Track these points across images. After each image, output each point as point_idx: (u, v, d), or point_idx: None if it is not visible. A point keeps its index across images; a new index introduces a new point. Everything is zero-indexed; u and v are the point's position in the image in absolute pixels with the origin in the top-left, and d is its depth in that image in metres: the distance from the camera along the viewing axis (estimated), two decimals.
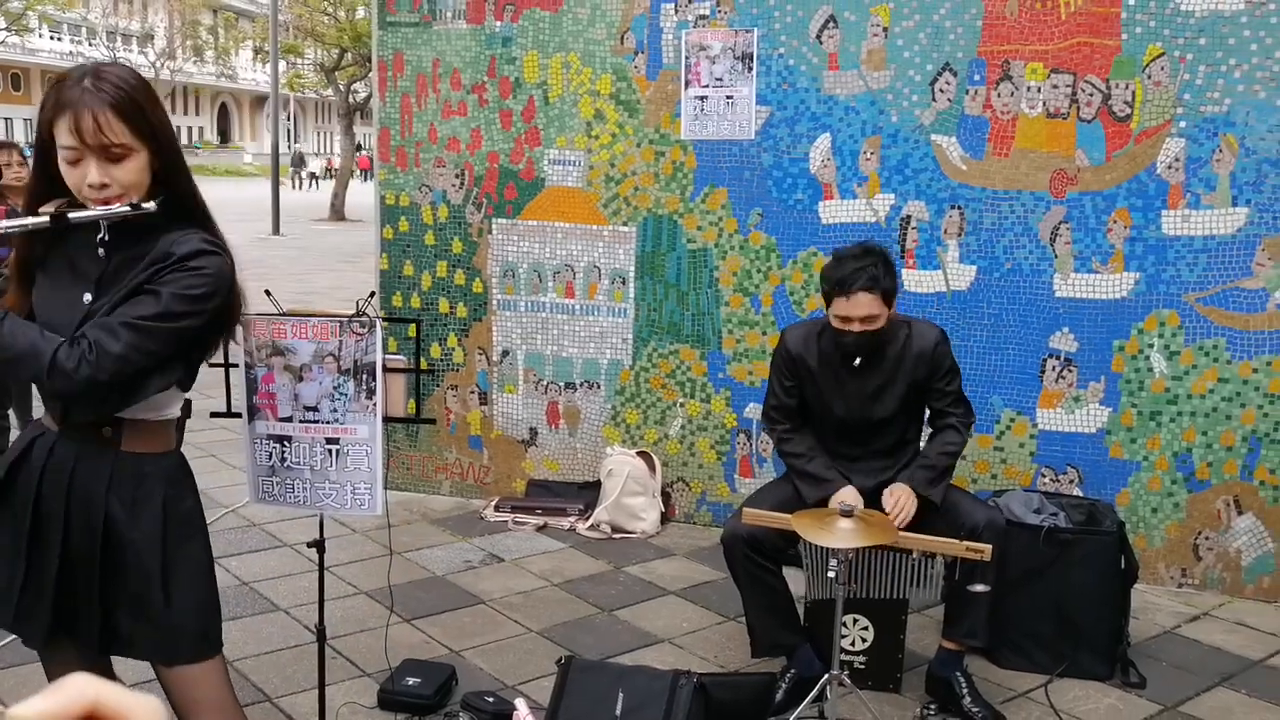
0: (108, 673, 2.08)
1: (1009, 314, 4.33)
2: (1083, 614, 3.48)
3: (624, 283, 4.86)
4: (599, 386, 4.97)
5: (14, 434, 5.04)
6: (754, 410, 4.65)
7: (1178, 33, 4.01)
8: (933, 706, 3.24)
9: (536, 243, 4.95)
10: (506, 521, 4.85)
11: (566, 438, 5.06)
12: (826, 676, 2.92)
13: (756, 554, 3.21)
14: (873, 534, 2.76)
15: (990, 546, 2.90)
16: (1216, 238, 4.07)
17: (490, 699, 3.15)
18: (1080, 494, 4.21)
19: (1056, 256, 4.25)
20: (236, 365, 2.49)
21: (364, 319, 2.45)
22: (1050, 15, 4.14)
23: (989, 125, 4.27)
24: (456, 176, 5.01)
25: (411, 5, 4.95)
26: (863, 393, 3.27)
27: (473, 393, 5.14)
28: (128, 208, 1.83)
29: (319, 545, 2.73)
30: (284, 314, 2.48)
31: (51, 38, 48.81)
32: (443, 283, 5.09)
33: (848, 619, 3.32)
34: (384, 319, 2.76)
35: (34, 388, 2.54)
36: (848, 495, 3.17)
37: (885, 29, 4.35)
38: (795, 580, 3.39)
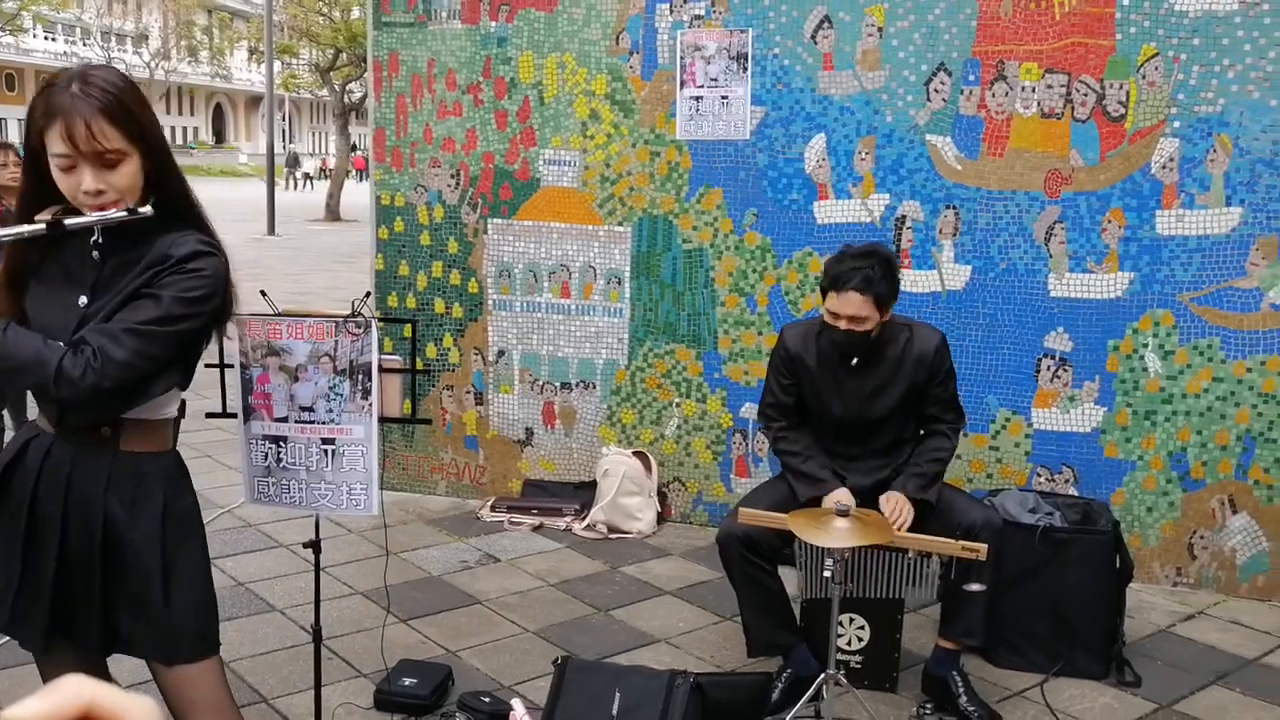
0: (103, 674, 2.08)
1: (1004, 314, 4.34)
2: (1078, 613, 3.49)
3: (619, 283, 4.86)
4: (595, 386, 4.97)
5: (9, 434, 5.03)
6: (750, 410, 4.66)
7: (1172, 33, 4.02)
8: (929, 705, 3.24)
9: (532, 243, 4.95)
10: (502, 522, 4.85)
11: (562, 438, 5.06)
12: (823, 676, 2.92)
13: (752, 553, 3.21)
14: (869, 533, 2.76)
15: (986, 546, 2.90)
16: (1211, 238, 4.08)
17: (487, 699, 3.15)
18: (1075, 493, 4.22)
19: (1051, 256, 4.26)
20: (232, 366, 2.49)
21: (359, 319, 2.45)
22: (1045, 15, 4.15)
23: (984, 125, 4.28)
24: (452, 177, 5.01)
25: (406, 5, 4.95)
26: (861, 392, 3.27)
27: (468, 393, 5.14)
28: (124, 212, 1.83)
29: (315, 546, 2.73)
30: (279, 314, 2.48)
31: (46, 38, 48.69)
32: (438, 283, 5.09)
33: (844, 618, 3.33)
34: (379, 319, 2.76)
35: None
36: (842, 497, 3.18)
37: (880, 29, 4.36)
38: (790, 580, 3.40)
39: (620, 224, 4.81)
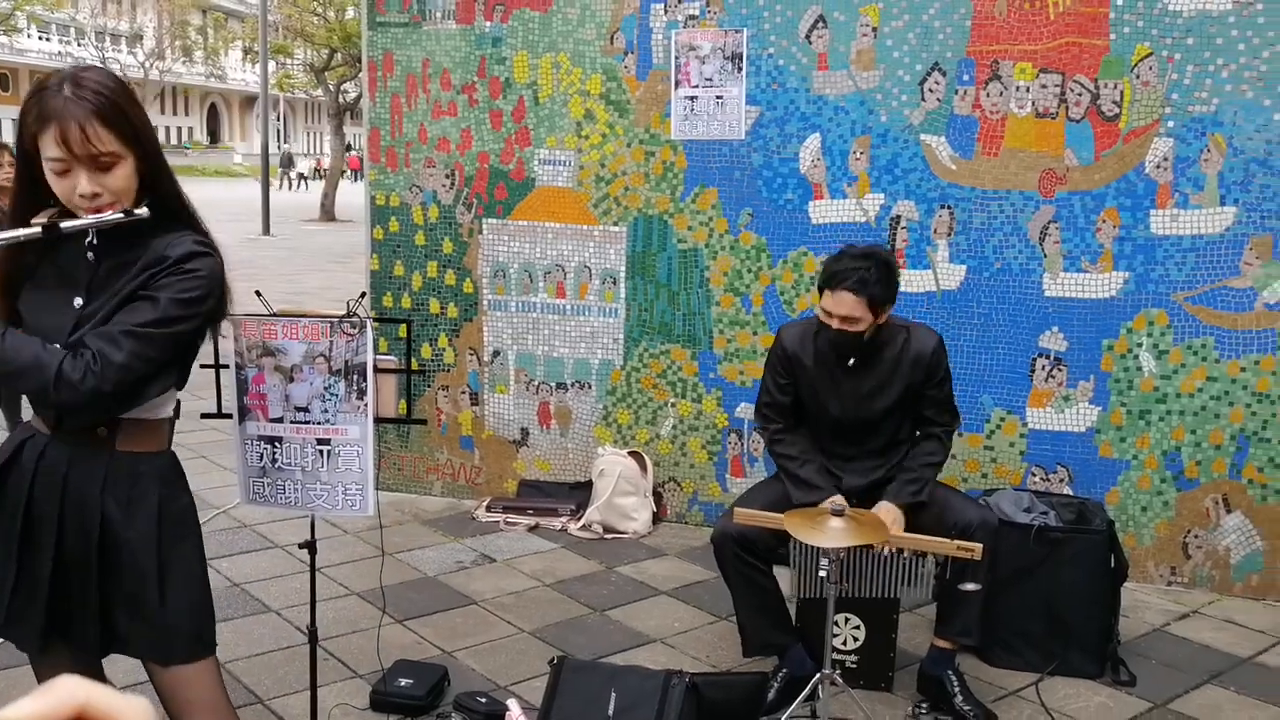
0: (98, 675, 2.08)
1: (999, 313, 4.35)
2: (1073, 612, 3.49)
3: (615, 283, 4.86)
4: (590, 387, 4.97)
5: (2, 435, 5.02)
6: (745, 410, 4.66)
7: (1166, 33, 4.03)
8: (924, 705, 3.25)
9: (527, 243, 4.95)
10: (498, 522, 4.85)
11: (558, 438, 5.06)
12: (818, 676, 2.92)
13: (747, 553, 3.21)
14: (864, 533, 2.76)
15: (981, 545, 2.91)
16: (1205, 237, 4.09)
17: (483, 699, 3.15)
18: (1070, 493, 4.23)
19: (1046, 256, 4.26)
20: (227, 366, 2.48)
21: (355, 319, 2.45)
22: (1039, 15, 4.15)
23: (978, 125, 4.29)
24: (447, 177, 5.01)
25: (401, 5, 4.95)
26: (858, 392, 3.27)
27: (464, 393, 5.13)
28: (120, 214, 1.82)
29: (310, 546, 2.72)
30: (274, 315, 2.48)
31: (40, 38, 48.61)
32: (433, 283, 5.09)
33: (839, 618, 3.33)
34: (375, 319, 2.76)
35: None
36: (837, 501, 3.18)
37: (874, 29, 4.36)
38: (785, 579, 3.40)
39: (615, 224, 4.82)
